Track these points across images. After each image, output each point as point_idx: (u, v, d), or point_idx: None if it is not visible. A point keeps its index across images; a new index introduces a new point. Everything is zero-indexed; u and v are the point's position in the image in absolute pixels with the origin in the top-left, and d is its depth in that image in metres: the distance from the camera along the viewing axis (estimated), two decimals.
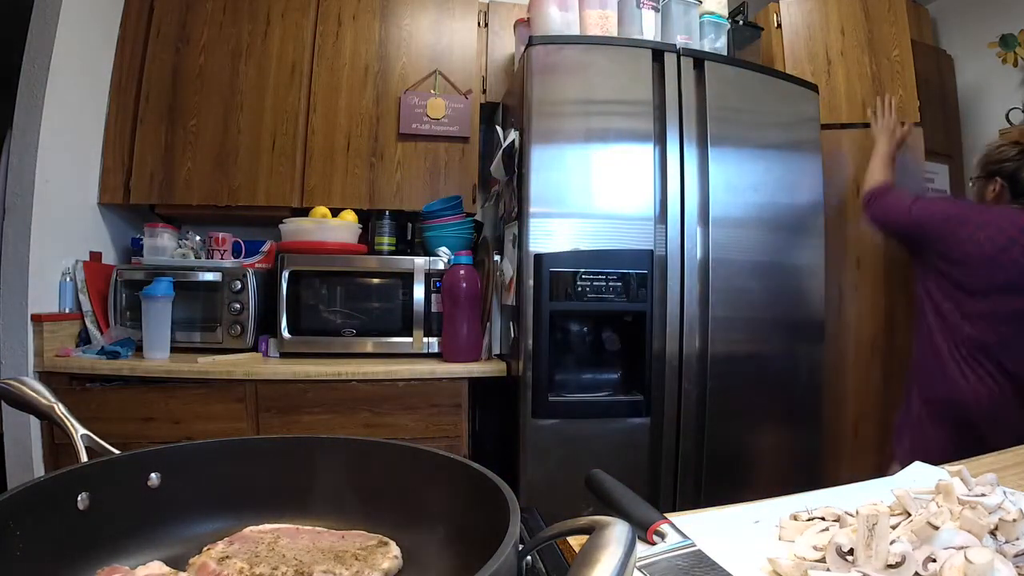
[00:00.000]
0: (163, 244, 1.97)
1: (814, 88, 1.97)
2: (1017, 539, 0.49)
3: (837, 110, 2.18)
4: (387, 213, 2.08)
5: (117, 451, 0.54)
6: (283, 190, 2.03)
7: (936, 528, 0.48)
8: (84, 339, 1.85)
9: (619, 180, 1.66)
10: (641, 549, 0.53)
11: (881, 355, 2.16)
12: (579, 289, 1.61)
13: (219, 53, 2.04)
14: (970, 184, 1.80)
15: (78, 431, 0.56)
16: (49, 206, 1.75)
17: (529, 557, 0.42)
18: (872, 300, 2.17)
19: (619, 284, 1.63)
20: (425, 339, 1.89)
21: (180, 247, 2.00)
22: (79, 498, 0.47)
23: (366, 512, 0.55)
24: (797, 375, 1.87)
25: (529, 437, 1.61)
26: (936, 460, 0.75)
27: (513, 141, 1.72)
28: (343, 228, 1.96)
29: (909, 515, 0.53)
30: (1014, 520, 0.50)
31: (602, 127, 1.67)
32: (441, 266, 1.89)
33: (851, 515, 0.55)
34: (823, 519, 0.57)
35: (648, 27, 1.86)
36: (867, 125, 2.15)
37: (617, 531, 0.34)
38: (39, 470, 1.65)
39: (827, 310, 1.99)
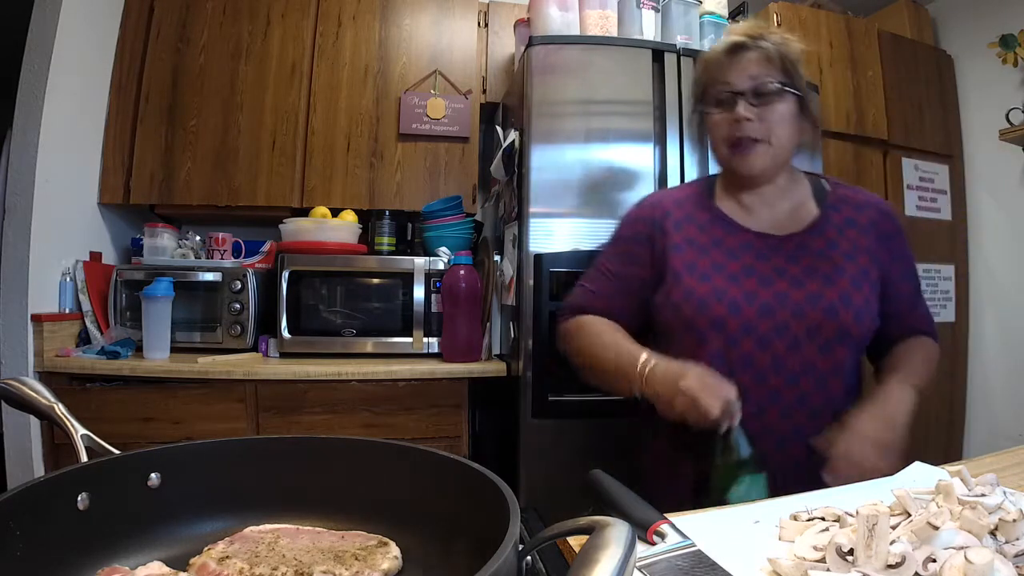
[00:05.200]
0: (163, 244, 1.97)
1: (815, 88, 1.97)
2: (1017, 539, 0.49)
3: (826, 120, 2.23)
4: (387, 213, 2.08)
5: (117, 451, 0.54)
6: (283, 190, 2.03)
7: (936, 528, 0.48)
8: (84, 339, 1.85)
9: (619, 180, 1.66)
10: (641, 549, 0.53)
11: None
12: None
13: (219, 53, 2.04)
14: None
15: (78, 431, 0.56)
16: (49, 206, 1.74)
17: (529, 557, 0.42)
18: None
19: None
20: (425, 339, 1.89)
21: (180, 247, 2.00)
22: (79, 498, 0.47)
23: (366, 512, 0.54)
24: None
25: (529, 437, 1.61)
26: None
27: (513, 141, 1.72)
28: (343, 228, 1.96)
29: (909, 515, 0.53)
30: (1014, 520, 0.50)
31: (602, 127, 1.67)
32: (441, 266, 1.89)
33: (851, 515, 0.55)
34: (823, 519, 0.57)
35: (648, 27, 1.86)
36: (854, 136, 2.30)
37: (617, 531, 0.34)
38: (39, 470, 1.65)
39: None
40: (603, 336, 1.04)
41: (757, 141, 0.97)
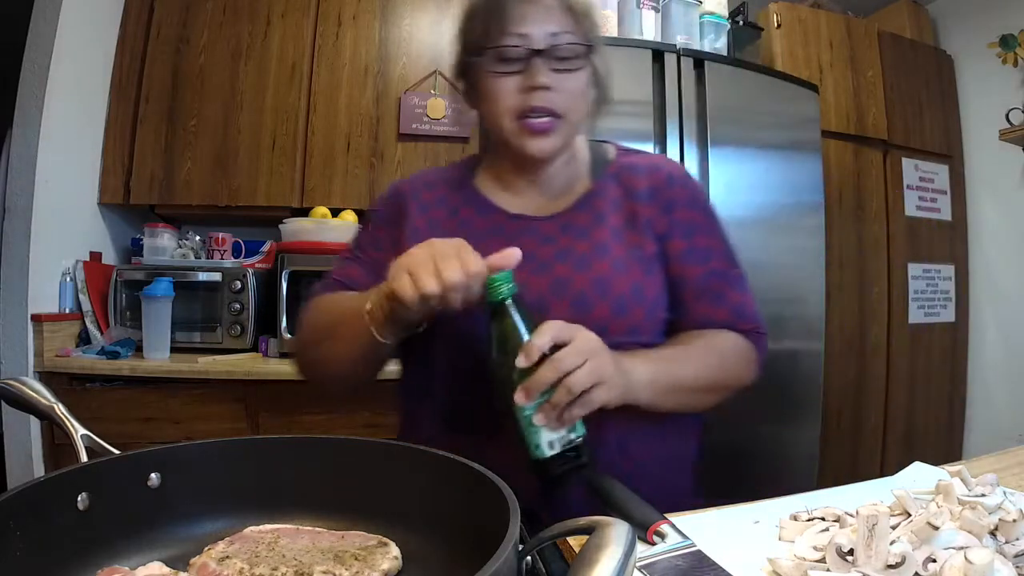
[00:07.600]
0: (163, 244, 1.97)
1: (814, 88, 1.97)
2: (1017, 539, 0.49)
3: (826, 120, 2.22)
4: None
5: (117, 451, 0.54)
6: (283, 190, 2.03)
7: (936, 528, 0.48)
8: (84, 339, 1.85)
9: None
10: (641, 549, 0.53)
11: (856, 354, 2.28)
12: None
13: (219, 53, 2.04)
14: None
15: (78, 431, 0.56)
16: (49, 206, 1.74)
17: (529, 557, 0.42)
18: (850, 300, 2.29)
19: None
20: None
21: (180, 247, 2.00)
22: (79, 498, 0.47)
23: (366, 512, 0.54)
24: (796, 374, 1.87)
25: None
26: None
27: None
28: (343, 228, 1.96)
29: (909, 515, 0.53)
30: (1014, 520, 0.50)
31: (602, 127, 1.67)
32: None
33: (851, 515, 0.55)
34: (823, 519, 0.57)
35: (648, 27, 1.86)
36: (855, 136, 2.30)
37: (617, 531, 0.34)
38: (39, 470, 1.65)
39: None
40: (328, 301, 0.86)
41: (555, 117, 0.78)
